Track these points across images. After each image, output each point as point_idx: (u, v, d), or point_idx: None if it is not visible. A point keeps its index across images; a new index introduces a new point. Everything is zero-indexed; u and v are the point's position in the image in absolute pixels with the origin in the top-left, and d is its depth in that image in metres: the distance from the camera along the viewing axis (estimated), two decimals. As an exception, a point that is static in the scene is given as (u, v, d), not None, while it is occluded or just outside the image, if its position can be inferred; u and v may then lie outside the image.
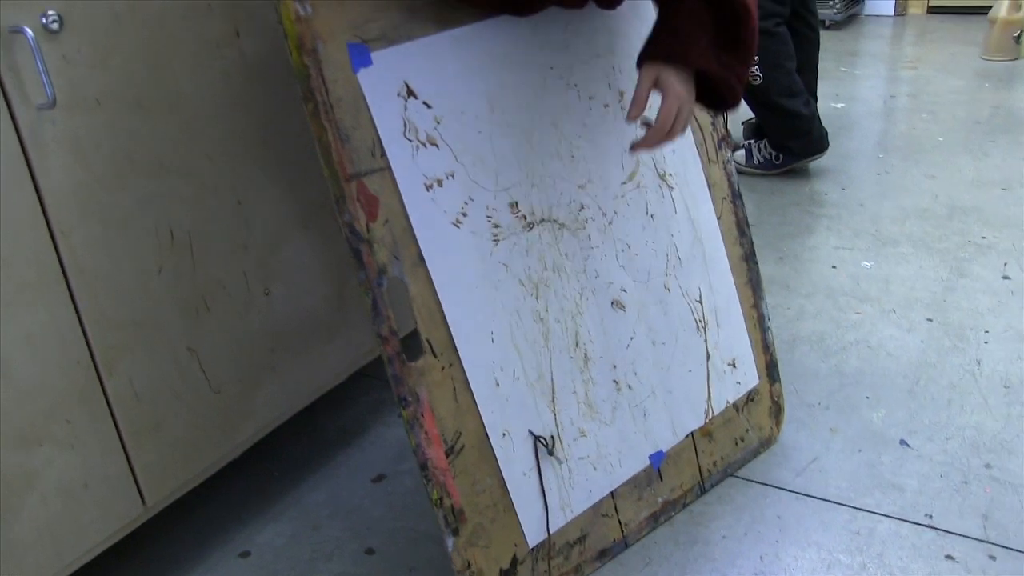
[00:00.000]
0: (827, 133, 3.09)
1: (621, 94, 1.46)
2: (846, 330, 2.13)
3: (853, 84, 4.30)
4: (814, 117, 3.00)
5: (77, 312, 1.23)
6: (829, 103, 3.91)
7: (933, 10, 6.07)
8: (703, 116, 1.58)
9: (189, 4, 1.32)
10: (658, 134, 1.28)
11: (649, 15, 1.50)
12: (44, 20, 1.14)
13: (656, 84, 1.25)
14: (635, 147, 1.33)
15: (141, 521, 1.38)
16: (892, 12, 6.13)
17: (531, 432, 1.33)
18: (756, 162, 3.11)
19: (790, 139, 3.00)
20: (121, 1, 1.23)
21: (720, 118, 1.61)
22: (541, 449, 1.34)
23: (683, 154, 1.54)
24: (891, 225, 2.68)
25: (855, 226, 2.68)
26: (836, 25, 5.58)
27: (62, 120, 1.18)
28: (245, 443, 1.53)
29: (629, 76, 1.46)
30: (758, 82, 2.89)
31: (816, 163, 3.18)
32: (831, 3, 5.57)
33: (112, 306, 1.27)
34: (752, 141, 3.14)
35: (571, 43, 1.40)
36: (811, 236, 2.64)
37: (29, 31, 1.11)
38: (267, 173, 1.47)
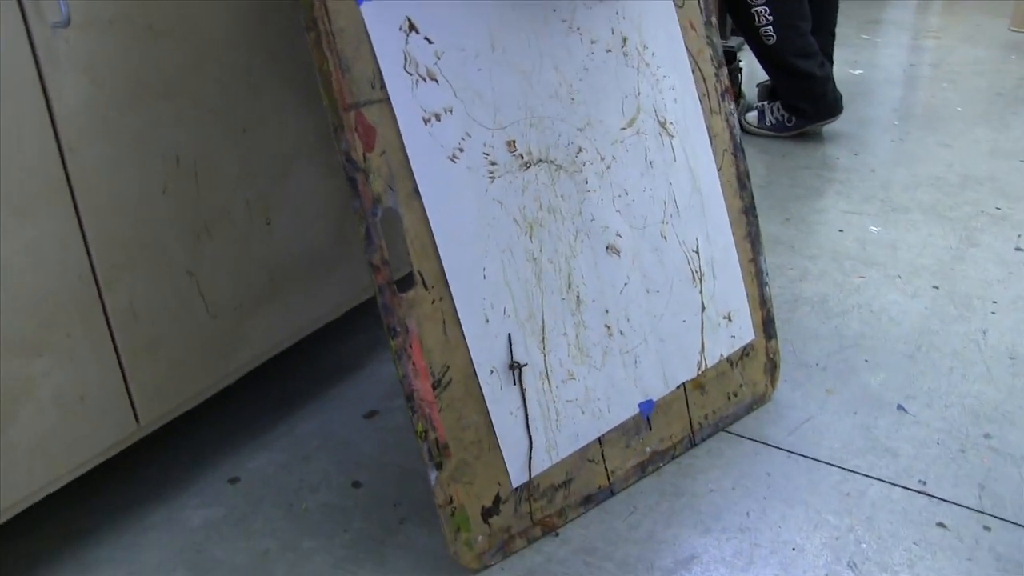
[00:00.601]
0: (842, 97, 3.06)
1: (624, 39, 1.45)
2: (849, 293, 2.13)
3: (873, 51, 4.25)
4: (828, 79, 2.98)
5: (81, 227, 1.25)
6: (847, 69, 3.87)
7: (962, -20, 5.97)
8: (707, 67, 1.57)
9: None
10: None
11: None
12: None
13: None
14: None
15: (134, 439, 1.41)
16: (919, -18, 6.04)
17: (512, 360, 1.34)
18: (768, 123, 3.09)
19: (803, 100, 2.98)
20: None
21: (724, 68, 1.60)
22: (529, 390, 1.35)
23: (685, 103, 1.54)
24: (902, 192, 2.66)
25: (865, 191, 2.67)
26: (859, -7, 5.50)
27: (75, 39, 1.19)
28: (240, 370, 1.55)
29: (632, 22, 1.46)
30: (772, 41, 2.87)
31: (830, 128, 3.15)
32: (857, -30, 5.49)
33: (115, 224, 1.29)
34: (765, 103, 3.12)
35: (577, -15, 1.40)
36: (820, 199, 2.63)
37: None
38: (274, 103, 1.48)
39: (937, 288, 2.14)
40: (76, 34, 1.19)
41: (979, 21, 4.83)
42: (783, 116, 3.04)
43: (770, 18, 2.84)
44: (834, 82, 3.03)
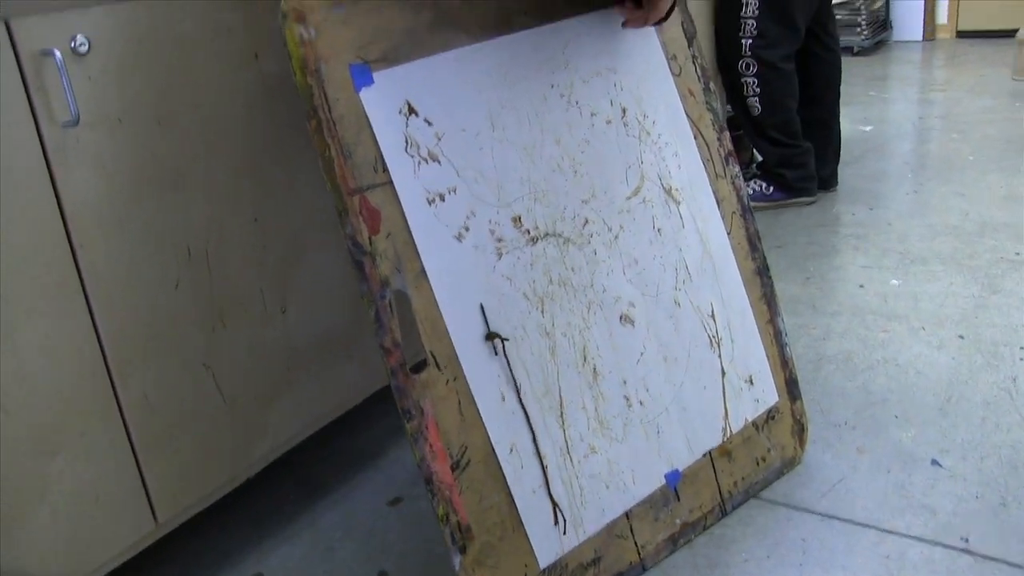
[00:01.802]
0: (834, 177, 3.08)
1: (624, 110, 1.46)
2: (873, 349, 2.10)
3: (882, 107, 4.28)
4: (810, 153, 3.00)
5: (94, 324, 1.25)
6: (857, 127, 3.89)
7: (962, 34, 6.06)
8: (709, 132, 1.58)
9: (210, 27, 1.35)
10: (654, 6, 1.38)
11: (649, 33, 1.51)
12: (73, 44, 1.19)
13: None
14: (629, 23, 1.44)
15: (153, 539, 1.39)
16: (920, 37, 6.13)
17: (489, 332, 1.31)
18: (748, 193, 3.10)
19: (784, 167, 2.99)
20: (145, 25, 1.27)
21: (726, 133, 1.61)
22: (551, 467, 1.33)
23: (689, 168, 1.54)
24: (920, 243, 2.64)
25: (883, 245, 2.65)
26: (864, 51, 5.58)
27: (85, 137, 1.22)
28: (260, 461, 1.54)
29: (631, 92, 1.47)
30: (756, 112, 2.91)
31: (843, 184, 3.16)
32: (858, 30, 5.58)
33: (129, 319, 1.29)
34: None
35: (571, 61, 1.41)
36: (838, 256, 2.61)
37: (58, 53, 1.16)
38: (285, 190, 1.50)
39: (963, 338, 2.11)
40: (86, 132, 1.22)
41: (983, 72, 4.87)
42: (762, 186, 3.04)
43: (757, 90, 2.88)
44: (822, 161, 3.04)
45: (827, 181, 3.12)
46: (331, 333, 1.62)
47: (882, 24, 5.97)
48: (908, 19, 6.05)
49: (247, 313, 1.46)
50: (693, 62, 1.58)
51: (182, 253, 1.36)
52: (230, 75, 1.39)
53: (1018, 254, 2.52)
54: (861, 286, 2.41)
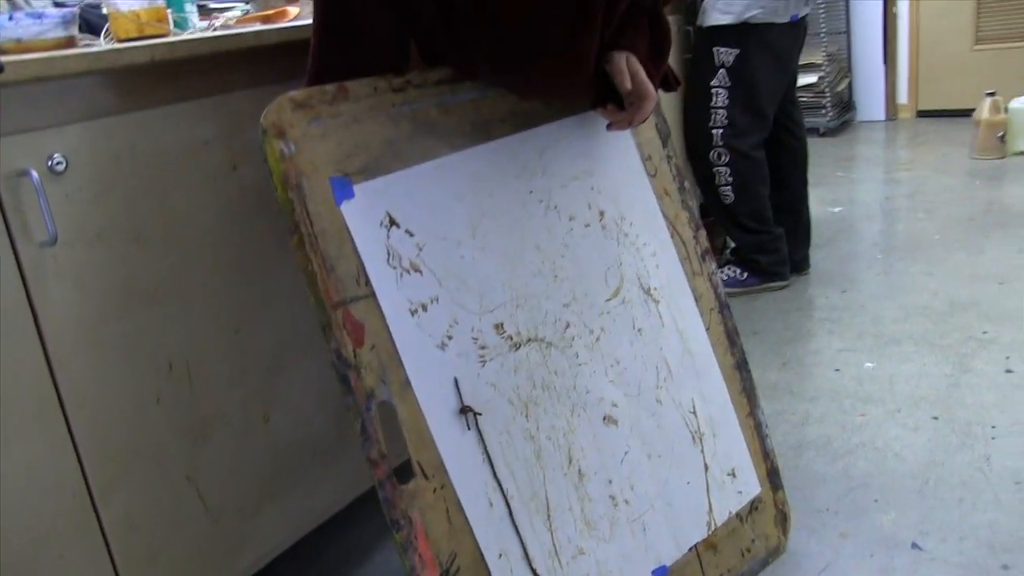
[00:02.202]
0: (805, 260, 3.15)
1: (601, 213, 1.50)
2: (852, 433, 2.12)
3: (850, 188, 4.37)
4: (782, 239, 3.05)
5: (74, 443, 1.25)
6: (827, 208, 3.97)
7: (922, 113, 6.23)
8: (685, 231, 1.62)
9: (187, 141, 1.38)
10: (639, 108, 1.41)
11: (624, 135, 1.55)
12: (50, 163, 1.21)
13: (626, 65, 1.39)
14: (614, 126, 1.47)
15: (137, 662, 1.37)
16: (883, 117, 6.29)
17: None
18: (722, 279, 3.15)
19: (759, 253, 3.04)
20: (122, 141, 1.29)
21: (702, 231, 1.65)
22: (540, 570, 1.33)
23: (667, 268, 1.57)
24: (892, 324, 2.69)
25: (857, 327, 2.69)
26: (830, 132, 5.71)
27: (63, 255, 1.23)
28: (245, 572, 1.52)
29: (608, 195, 1.51)
30: (729, 201, 2.97)
31: (815, 267, 3.21)
32: (824, 111, 5.72)
33: (109, 436, 1.29)
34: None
35: (549, 167, 1.45)
36: (813, 340, 2.64)
37: (35, 173, 1.17)
38: (264, 300, 1.51)
39: (937, 419, 2.13)
40: (64, 250, 1.23)
41: (944, 151, 5.00)
42: (736, 272, 3.09)
43: (730, 179, 2.94)
44: (806, 242, 3.11)
45: (799, 265, 3.17)
46: (314, 439, 1.62)
47: (846, 105, 6.13)
48: (871, 100, 6.22)
49: (229, 424, 1.46)
50: (668, 162, 1.62)
51: (162, 368, 1.36)
52: (208, 188, 1.42)
53: (985, 333, 2.57)
54: (837, 370, 2.44)
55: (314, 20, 1.29)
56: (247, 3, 4.07)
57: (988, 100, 4.70)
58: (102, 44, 1.40)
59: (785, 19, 2.87)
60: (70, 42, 1.30)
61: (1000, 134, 4.71)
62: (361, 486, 1.74)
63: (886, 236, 3.58)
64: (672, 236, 1.59)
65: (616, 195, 1.53)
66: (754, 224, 3.00)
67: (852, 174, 4.67)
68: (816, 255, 3.29)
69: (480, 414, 1.30)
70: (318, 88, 1.25)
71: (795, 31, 2.98)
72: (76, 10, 1.38)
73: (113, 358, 1.29)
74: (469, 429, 1.28)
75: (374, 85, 1.30)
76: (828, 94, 5.70)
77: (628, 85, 1.38)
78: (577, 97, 1.46)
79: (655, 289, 1.55)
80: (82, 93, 1.24)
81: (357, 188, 1.25)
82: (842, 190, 4.33)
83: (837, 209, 3.99)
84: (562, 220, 1.45)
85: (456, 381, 1.28)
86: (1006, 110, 4.72)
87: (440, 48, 1.34)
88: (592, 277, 1.47)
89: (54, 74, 1.18)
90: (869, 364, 2.45)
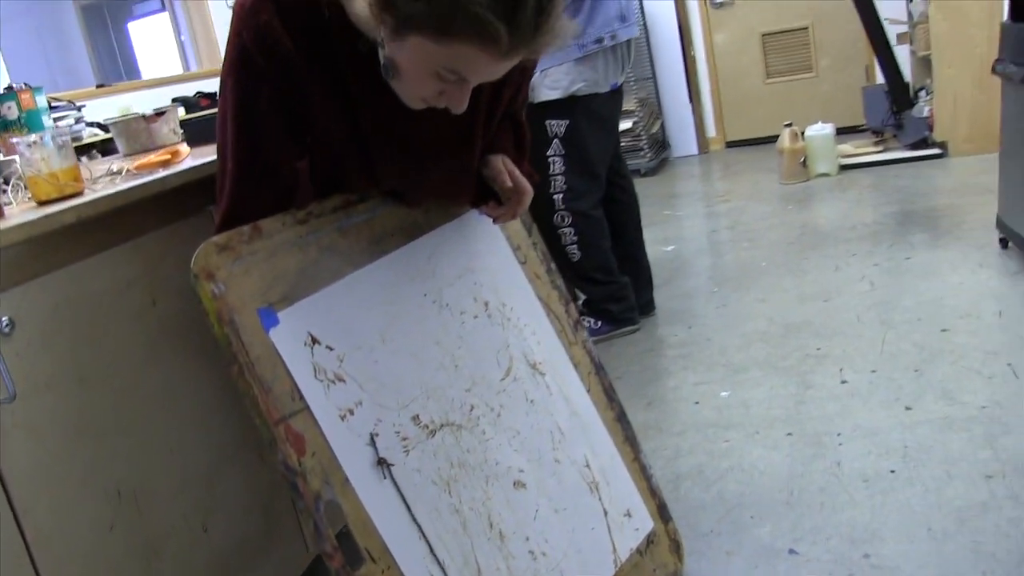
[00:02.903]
0: (651, 302, 3.45)
1: (486, 304, 1.70)
2: (720, 459, 2.37)
3: (678, 225, 4.73)
4: (628, 287, 3.34)
5: (39, 582, 1.35)
6: (660, 248, 4.30)
7: (730, 144, 6.78)
8: (557, 307, 1.84)
9: (112, 285, 1.50)
10: (519, 202, 1.67)
11: (495, 231, 1.76)
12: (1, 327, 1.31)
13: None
14: (498, 219, 1.71)
15: None
16: (696, 151, 6.80)
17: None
18: None
19: (610, 302, 3.32)
20: (58, 294, 1.41)
21: (571, 304, 1.87)
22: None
23: (547, 342, 1.79)
24: (738, 353, 2.99)
25: (707, 360, 2.98)
26: (651, 172, 6.13)
27: (20, 409, 1.33)
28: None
29: (489, 287, 1.71)
30: (576, 259, 3.23)
31: (660, 308, 3.51)
32: (642, 153, 6.14)
33: (73, 572, 1.39)
34: None
35: (437, 269, 1.64)
36: (671, 377, 2.91)
37: None
38: (195, 419, 1.64)
39: (791, 434, 2.42)
40: (20, 405, 1.33)
41: (756, 179, 5.46)
42: (591, 322, 3.36)
43: (575, 238, 3.21)
44: (638, 291, 3.40)
45: (645, 307, 3.46)
46: (248, 538, 1.74)
47: (662, 144, 6.60)
48: (683, 136, 6.72)
49: (175, 540, 1.58)
50: (535, 248, 1.84)
51: (112, 496, 1.47)
52: (134, 324, 1.54)
53: (819, 349, 2.90)
54: (697, 402, 2.71)
55: (227, 163, 1.42)
56: (78, 110, 4.09)
57: (787, 130, 5.19)
58: (15, 204, 1.51)
59: (606, 88, 3.17)
60: (-5, 212, 1.40)
61: (802, 160, 5.21)
62: (297, 571, 1.86)
63: (718, 269, 3.92)
64: (548, 314, 1.81)
65: (496, 285, 1.73)
66: (602, 276, 3.27)
67: (677, 211, 5.05)
68: (658, 295, 3.58)
69: (392, 464, 1.46)
70: (236, 231, 1.40)
71: (616, 97, 3.30)
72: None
73: (70, 495, 1.40)
74: (385, 478, 1.44)
75: (282, 221, 1.46)
76: (644, 136, 6.13)
77: (509, 183, 1.60)
78: (462, 200, 1.66)
79: (540, 363, 1.76)
80: (20, 258, 1.35)
81: (281, 315, 1.41)
82: (671, 228, 4.69)
83: (670, 248, 4.32)
84: (454, 315, 1.64)
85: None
86: (803, 136, 5.22)
87: (347, 167, 1.49)
88: (486, 361, 1.66)
89: (-1, 245, 1.29)
90: (724, 393, 2.73)
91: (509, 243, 1.80)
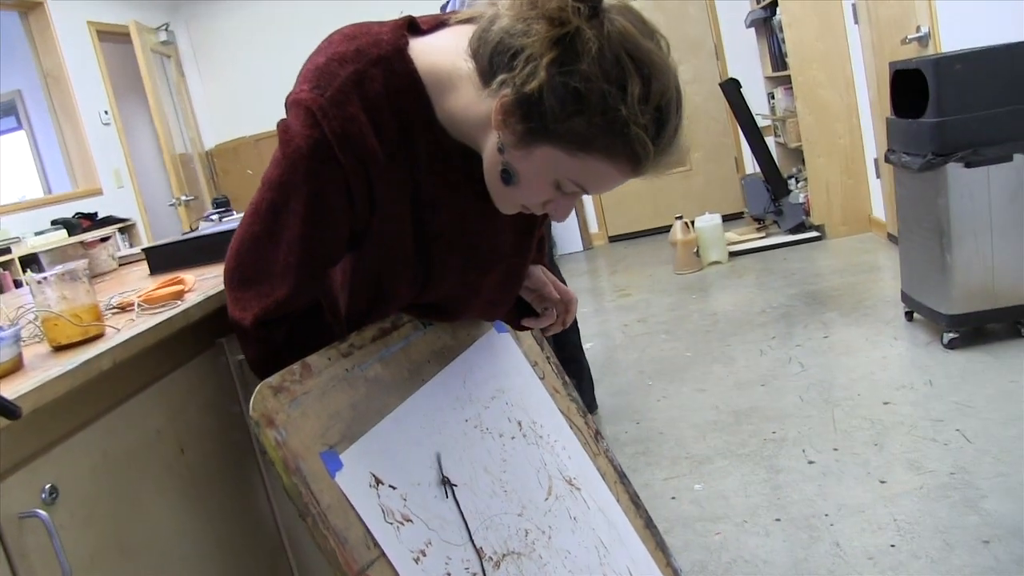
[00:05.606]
0: (594, 401, 3.49)
1: (519, 424, 1.66)
2: (718, 553, 2.36)
3: (589, 322, 4.78)
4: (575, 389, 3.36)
5: None
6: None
7: (613, 238, 6.97)
8: (578, 419, 1.81)
9: (143, 434, 1.36)
10: (567, 310, 1.63)
11: (514, 349, 1.74)
12: (44, 496, 1.15)
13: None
14: (549, 330, 1.66)
15: None
16: (581, 247, 6.95)
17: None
18: None
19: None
20: (96, 451, 1.27)
21: (589, 416, 1.85)
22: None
23: (576, 456, 1.76)
24: (696, 444, 3.01)
25: (667, 454, 2.99)
26: (546, 272, 6.20)
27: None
28: None
29: (519, 406, 1.68)
30: None
31: (603, 406, 3.52)
32: (537, 255, 6.22)
33: None
34: None
35: (472, 393, 1.60)
36: (638, 475, 2.90)
37: (43, 513, 1.12)
38: (232, 564, 1.52)
39: (779, 520, 2.44)
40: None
41: (650, 271, 5.60)
42: None
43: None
44: (591, 386, 3.46)
45: (590, 407, 3.46)
46: None
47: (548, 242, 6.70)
48: (568, 233, 6.86)
49: None
50: (549, 362, 1.83)
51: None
52: (164, 475, 1.42)
53: (774, 433, 2.96)
54: (673, 498, 2.70)
55: (279, 254, 1.30)
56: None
57: (678, 222, 5.37)
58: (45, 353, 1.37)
59: None
60: (17, 362, 1.27)
61: (694, 250, 5.39)
62: None
63: (645, 363, 3.97)
64: (571, 427, 1.78)
65: (524, 404, 1.70)
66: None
67: (583, 308, 5.11)
68: (597, 394, 3.59)
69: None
70: (287, 371, 1.33)
71: None
72: (21, 327, 1.34)
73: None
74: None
75: (327, 356, 1.40)
76: (534, 239, 6.21)
77: (555, 294, 1.57)
78: (500, 312, 1.61)
79: (574, 479, 1.72)
80: (57, 412, 1.22)
81: (343, 457, 1.34)
82: (584, 326, 4.71)
83: (588, 345, 4.36)
84: (495, 439, 1.60)
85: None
86: (693, 226, 5.42)
87: (399, 271, 1.39)
88: (530, 483, 1.62)
89: (45, 401, 1.16)
90: (697, 486, 2.74)
91: (527, 360, 1.78)
